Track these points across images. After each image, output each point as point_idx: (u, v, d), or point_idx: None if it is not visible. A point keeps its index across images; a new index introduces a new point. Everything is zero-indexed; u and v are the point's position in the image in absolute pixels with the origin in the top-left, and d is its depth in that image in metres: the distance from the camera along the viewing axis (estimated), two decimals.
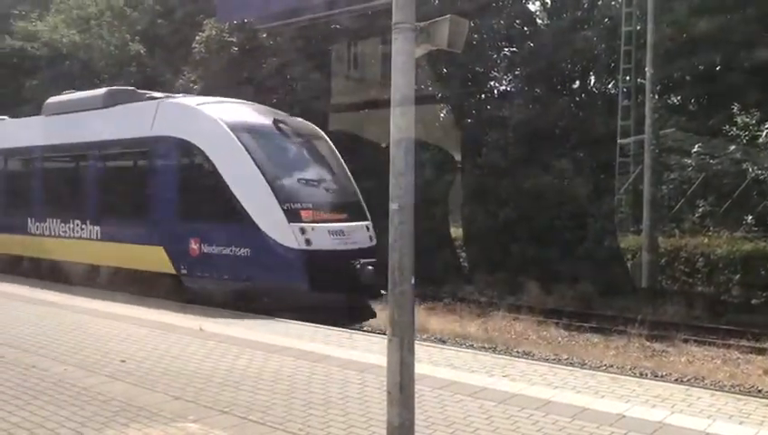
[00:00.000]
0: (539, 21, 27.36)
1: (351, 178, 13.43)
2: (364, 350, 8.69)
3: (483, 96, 26.43)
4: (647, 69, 19.62)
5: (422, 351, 7.83)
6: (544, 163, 21.78)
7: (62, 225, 14.68)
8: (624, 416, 6.08)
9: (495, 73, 26.48)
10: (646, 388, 7.04)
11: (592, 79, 26.14)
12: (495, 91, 26.95)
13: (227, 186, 11.81)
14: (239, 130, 12.22)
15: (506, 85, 26.85)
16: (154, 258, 12.80)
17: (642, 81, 21.05)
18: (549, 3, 27.24)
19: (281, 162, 12.53)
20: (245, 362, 7.96)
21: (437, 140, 22.60)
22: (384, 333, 8.25)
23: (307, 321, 10.57)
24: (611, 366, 10.97)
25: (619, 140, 21.31)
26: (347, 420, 5.98)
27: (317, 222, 11.78)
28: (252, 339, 9.27)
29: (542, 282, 18.56)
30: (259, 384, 7.05)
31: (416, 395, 4.77)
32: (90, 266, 14.29)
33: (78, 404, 6.28)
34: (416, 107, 4.58)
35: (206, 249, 12.12)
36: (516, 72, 25.85)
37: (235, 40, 24.74)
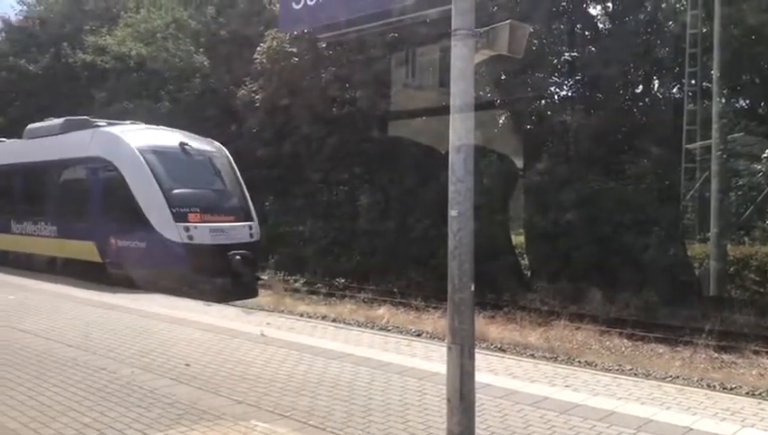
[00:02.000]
0: (600, 25, 26.89)
1: (243, 188, 16.93)
2: (423, 357, 8.68)
3: (543, 102, 26.10)
4: (713, 72, 19.06)
5: (481, 359, 7.77)
6: (607, 169, 21.37)
7: (33, 226, 18.10)
8: (691, 429, 5.89)
9: (556, 78, 26.12)
10: (714, 400, 6.81)
11: (656, 83, 25.54)
12: (556, 97, 26.59)
13: (133, 194, 15.16)
14: (146, 150, 15.57)
15: (567, 90, 26.47)
16: (90, 251, 16.10)
17: (708, 84, 20.45)
18: (611, 6, 26.74)
19: (177, 175, 15.62)
20: (306, 368, 8.04)
21: (497, 146, 22.45)
22: (443, 341, 8.23)
23: (196, 297, 13.48)
24: (678, 377, 10.63)
25: (684, 145, 20.73)
26: (407, 428, 5.97)
27: (201, 222, 15.11)
28: (312, 345, 9.37)
29: (604, 290, 18.17)
30: (319, 390, 7.11)
31: (476, 404, 4.73)
32: (52, 258, 17.59)
33: (145, 406, 6.46)
34: (475, 113, 4.56)
35: (120, 244, 15.54)
36: (577, 77, 25.45)
37: (295, 50, 25.13)
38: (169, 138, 16.41)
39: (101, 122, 17.69)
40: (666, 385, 7.81)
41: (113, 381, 7.35)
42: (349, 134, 23.95)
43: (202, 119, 29.93)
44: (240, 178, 17.05)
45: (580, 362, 11.51)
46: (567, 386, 7.33)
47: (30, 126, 19.69)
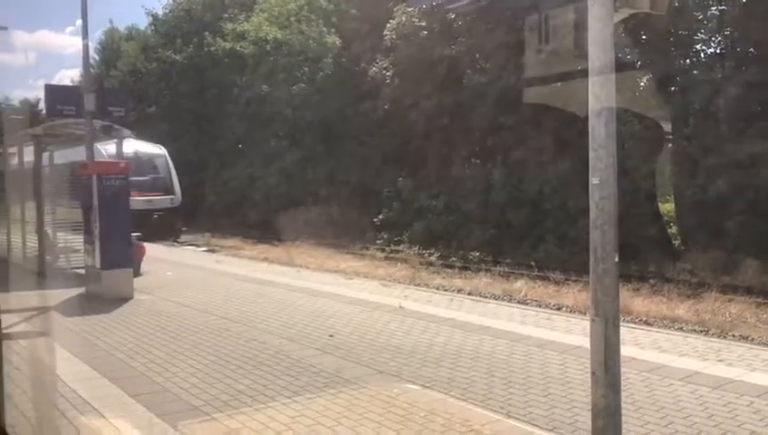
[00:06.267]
0: None
1: (172, 175, 26.41)
2: (564, 331, 8.52)
3: (688, 60, 24.47)
4: None
5: (627, 333, 7.50)
6: (761, 130, 19.76)
7: None
8: None
9: (702, 35, 24.36)
10: None
11: None
12: (702, 55, 24.81)
13: None
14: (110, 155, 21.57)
15: (715, 47, 24.61)
16: None
17: None
18: None
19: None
20: (444, 340, 8.12)
21: (640, 109, 21.32)
22: (585, 315, 8.03)
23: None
24: None
25: None
26: (548, 401, 5.90)
27: (139, 196, 21.40)
28: (449, 317, 9.43)
29: (761, 260, 16.90)
30: (459, 362, 7.16)
31: (621, 377, 4.59)
32: None
33: (293, 374, 6.78)
34: (615, 75, 4.36)
35: None
36: (726, 33, 23.59)
37: (424, 24, 25.04)
38: (127, 145, 23.12)
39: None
40: None
41: (263, 350, 7.77)
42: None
43: (335, 97, 30.63)
44: (171, 168, 26.55)
45: (734, 335, 10.80)
46: (720, 360, 6.96)
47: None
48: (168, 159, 27.22)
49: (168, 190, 26.23)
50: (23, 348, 7.54)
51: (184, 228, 27.32)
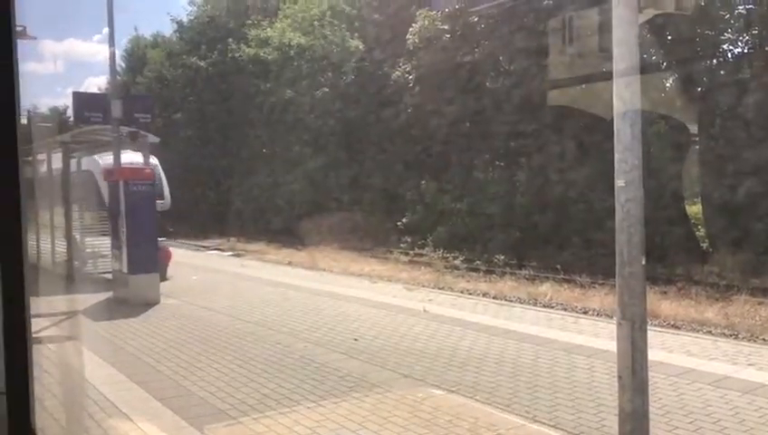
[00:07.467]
0: None
1: (163, 182, 24.69)
2: (590, 335, 8.44)
3: (715, 61, 24.16)
4: None
5: (654, 336, 7.39)
6: None
7: None
8: None
9: (728, 35, 24.04)
10: None
11: None
12: (729, 55, 24.48)
13: (100, 189, 19.96)
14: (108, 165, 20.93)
15: (742, 47, 24.27)
16: None
17: None
18: None
19: None
20: (469, 344, 8.08)
21: (665, 111, 21.11)
22: (612, 318, 7.95)
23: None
24: None
25: None
26: (575, 405, 5.85)
27: None
28: (474, 321, 9.39)
29: None
30: (484, 366, 7.13)
31: (649, 382, 4.53)
32: None
33: (318, 378, 6.79)
34: (640, 77, 4.32)
35: None
36: (754, 32, 23.26)
37: (447, 27, 25.01)
38: (124, 157, 23.13)
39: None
40: None
41: (288, 354, 7.80)
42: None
43: (358, 102, 30.73)
44: (163, 177, 26.10)
45: (764, 339, 10.62)
46: (750, 365, 6.85)
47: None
48: (160, 168, 29.98)
49: (160, 196, 28.59)
50: (52, 352, 7.65)
51: (171, 229, 30.01)
